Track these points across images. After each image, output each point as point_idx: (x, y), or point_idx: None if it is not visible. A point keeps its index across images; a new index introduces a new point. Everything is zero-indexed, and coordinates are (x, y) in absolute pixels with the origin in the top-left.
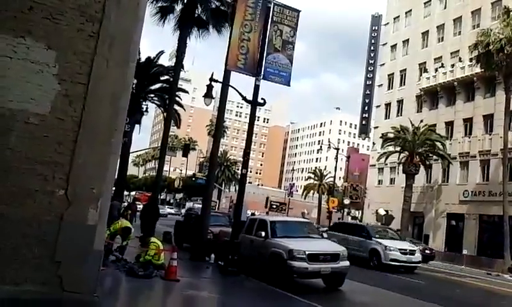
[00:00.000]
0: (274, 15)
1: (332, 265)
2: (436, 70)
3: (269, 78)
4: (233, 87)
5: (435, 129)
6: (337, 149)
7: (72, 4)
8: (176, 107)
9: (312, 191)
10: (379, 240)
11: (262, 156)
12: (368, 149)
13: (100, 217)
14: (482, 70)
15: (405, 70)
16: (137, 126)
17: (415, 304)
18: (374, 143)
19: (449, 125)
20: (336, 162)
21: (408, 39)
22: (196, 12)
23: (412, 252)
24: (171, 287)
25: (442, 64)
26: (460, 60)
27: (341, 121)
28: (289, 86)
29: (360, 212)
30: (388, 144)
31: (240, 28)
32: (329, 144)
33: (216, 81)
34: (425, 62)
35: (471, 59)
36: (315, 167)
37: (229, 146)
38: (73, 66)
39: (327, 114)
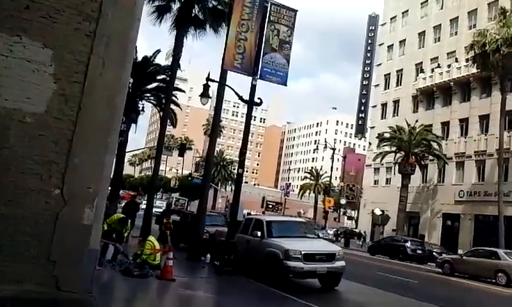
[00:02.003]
0: (271, 15)
1: (328, 265)
2: (433, 70)
3: (265, 78)
4: (229, 86)
5: (431, 129)
6: (333, 149)
7: (68, 2)
8: (172, 106)
9: (308, 191)
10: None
11: (259, 156)
12: (364, 149)
13: (96, 217)
14: (478, 70)
15: (401, 70)
16: (133, 125)
17: (412, 304)
18: (370, 143)
19: (445, 125)
20: (333, 162)
21: (405, 39)
22: (193, 11)
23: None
24: (167, 287)
25: (438, 64)
26: (456, 60)
27: (337, 121)
28: (286, 85)
29: (356, 211)
30: (384, 144)
31: (237, 27)
32: (325, 144)
33: (213, 81)
34: (421, 63)
35: (467, 60)
36: (312, 167)
37: (225, 145)
38: (69, 65)
39: (323, 114)
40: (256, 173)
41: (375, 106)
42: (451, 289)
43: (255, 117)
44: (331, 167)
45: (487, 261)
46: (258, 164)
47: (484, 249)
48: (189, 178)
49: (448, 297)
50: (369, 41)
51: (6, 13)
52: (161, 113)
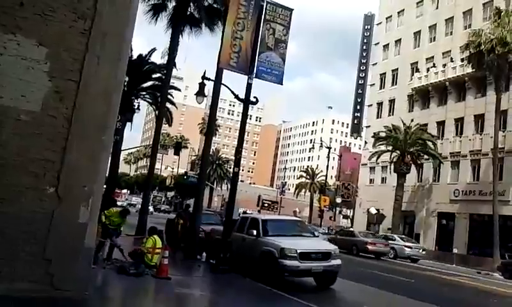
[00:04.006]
0: (267, 14)
1: (324, 263)
2: (428, 69)
3: (261, 77)
4: (225, 85)
5: (426, 129)
6: (329, 148)
7: (63, 0)
8: (168, 105)
9: (303, 190)
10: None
11: (254, 154)
12: (360, 149)
13: (91, 215)
14: (474, 70)
15: (397, 69)
16: (128, 124)
17: (406, 302)
18: (365, 142)
19: (440, 124)
20: (328, 160)
21: (400, 39)
22: (189, 10)
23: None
24: (162, 285)
25: (434, 64)
26: (452, 60)
27: (333, 120)
28: (282, 84)
29: (352, 210)
30: (380, 143)
31: (233, 26)
32: (321, 143)
33: (208, 79)
34: (417, 62)
35: (462, 59)
36: (307, 166)
37: (221, 144)
38: (64, 63)
39: (319, 113)
40: (252, 172)
41: (370, 105)
42: None
43: (250, 116)
44: (327, 166)
45: (347, 238)
46: (254, 163)
47: (347, 230)
48: (185, 177)
49: None
50: (365, 41)
51: (0, 10)
52: (157, 112)
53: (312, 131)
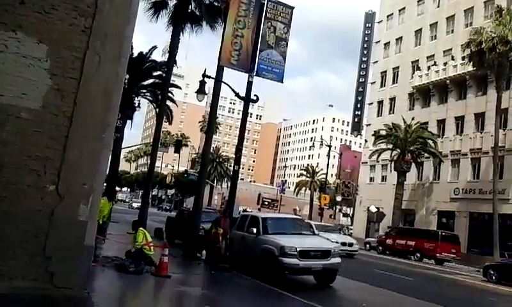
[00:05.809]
0: (268, 12)
1: (323, 261)
2: (429, 68)
3: (262, 75)
4: (226, 83)
5: (427, 127)
6: (329, 146)
7: None
8: (168, 102)
9: (303, 188)
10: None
11: (255, 153)
12: (360, 147)
13: (91, 213)
14: (475, 68)
15: (398, 67)
16: (129, 121)
17: (406, 300)
18: (366, 140)
19: (441, 123)
20: (329, 159)
21: (401, 37)
22: (190, 8)
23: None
24: (162, 283)
25: (435, 62)
26: (452, 58)
27: (334, 119)
28: (282, 82)
29: (352, 209)
30: (380, 141)
31: (234, 24)
32: (321, 141)
33: (209, 77)
34: (417, 60)
35: (463, 58)
36: (308, 164)
37: (221, 142)
38: (65, 61)
39: (320, 112)
40: (252, 170)
41: (371, 103)
42: None
43: (251, 114)
44: (327, 165)
45: None
46: (254, 161)
47: None
48: (185, 175)
49: None
50: (366, 39)
51: (1, 8)
52: (157, 109)
53: (313, 129)
